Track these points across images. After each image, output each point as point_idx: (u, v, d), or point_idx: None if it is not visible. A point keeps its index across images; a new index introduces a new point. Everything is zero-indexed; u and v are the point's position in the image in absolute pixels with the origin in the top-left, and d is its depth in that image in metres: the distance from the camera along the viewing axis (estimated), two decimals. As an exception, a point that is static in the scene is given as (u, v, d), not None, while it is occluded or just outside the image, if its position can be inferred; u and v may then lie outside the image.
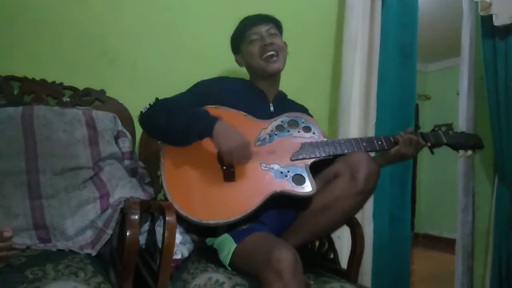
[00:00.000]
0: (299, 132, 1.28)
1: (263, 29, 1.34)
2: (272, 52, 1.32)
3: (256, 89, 1.39)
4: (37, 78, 1.44)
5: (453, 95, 2.82)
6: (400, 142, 1.29)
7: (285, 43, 1.39)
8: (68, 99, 1.47)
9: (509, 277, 2.03)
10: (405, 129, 1.34)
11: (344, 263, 1.32)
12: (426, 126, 4.98)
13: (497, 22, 1.98)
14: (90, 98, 1.50)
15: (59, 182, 1.18)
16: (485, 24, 2.07)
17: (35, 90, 1.43)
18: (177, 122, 1.15)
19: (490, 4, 1.97)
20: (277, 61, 1.33)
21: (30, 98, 1.43)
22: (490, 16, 1.99)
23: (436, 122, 4.77)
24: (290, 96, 1.50)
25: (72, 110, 1.32)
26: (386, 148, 1.30)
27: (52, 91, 1.46)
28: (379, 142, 1.30)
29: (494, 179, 2.14)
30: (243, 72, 1.46)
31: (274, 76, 1.39)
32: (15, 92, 1.41)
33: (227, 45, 1.45)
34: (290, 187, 1.14)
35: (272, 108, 1.37)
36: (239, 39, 1.39)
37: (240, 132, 1.15)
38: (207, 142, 1.17)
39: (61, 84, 1.47)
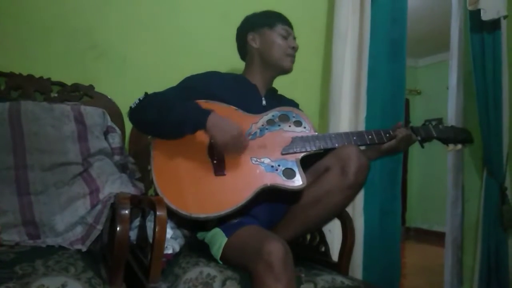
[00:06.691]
0: (290, 126, 1.28)
1: (292, 32, 1.40)
2: (293, 55, 1.39)
3: (248, 83, 1.39)
4: (24, 74, 1.42)
5: (443, 90, 2.84)
6: (398, 138, 1.30)
7: None
8: (56, 95, 1.45)
9: (497, 269, 2.07)
10: (395, 124, 1.35)
11: (335, 256, 1.32)
12: (417, 121, 4.99)
13: (485, 16, 1.99)
14: (78, 93, 1.49)
15: (48, 178, 1.17)
16: (473, 18, 2.09)
17: (22, 86, 1.41)
18: (169, 116, 1.14)
19: (478, -1, 1.99)
20: (293, 63, 1.40)
21: (17, 94, 1.40)
22: (478, 11, 2.01)
23: (427, 117, 4.75)
24: (282, 90, 1.51)
25: (60, 105, 1.30)
26: (377, 142, 1.30)
27: (39, 86, 1.44)
28: (370, 136, 1.30)
29: (483, 173, 2.16)
30: (233, 66, 1.46)
31: (277, 73, 1.41)
32: (2, 88, 1.39)
33: (217, 39, 1.44)
34: (280, 181, 1.14)
35: (264, 102, 1.37)
36: (265, 23, 1.39)
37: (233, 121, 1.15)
38: (197, 136, 1.17)
39: (48, 79, 1.46)
